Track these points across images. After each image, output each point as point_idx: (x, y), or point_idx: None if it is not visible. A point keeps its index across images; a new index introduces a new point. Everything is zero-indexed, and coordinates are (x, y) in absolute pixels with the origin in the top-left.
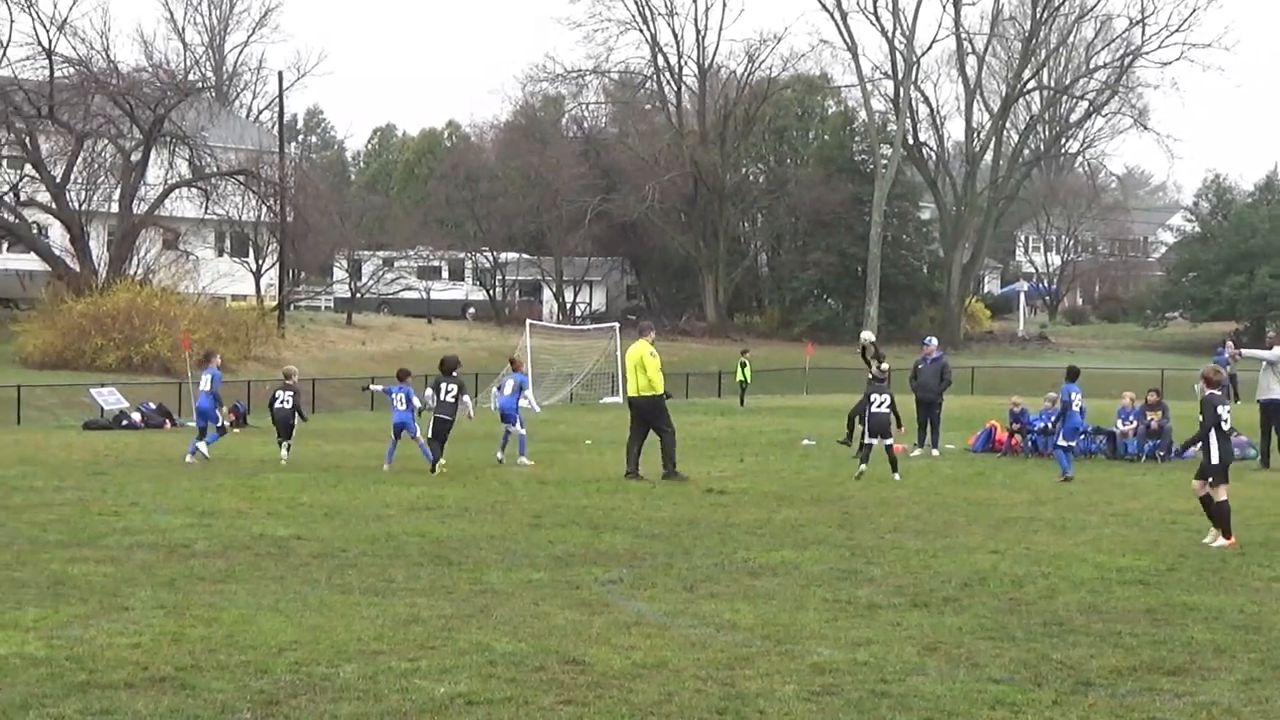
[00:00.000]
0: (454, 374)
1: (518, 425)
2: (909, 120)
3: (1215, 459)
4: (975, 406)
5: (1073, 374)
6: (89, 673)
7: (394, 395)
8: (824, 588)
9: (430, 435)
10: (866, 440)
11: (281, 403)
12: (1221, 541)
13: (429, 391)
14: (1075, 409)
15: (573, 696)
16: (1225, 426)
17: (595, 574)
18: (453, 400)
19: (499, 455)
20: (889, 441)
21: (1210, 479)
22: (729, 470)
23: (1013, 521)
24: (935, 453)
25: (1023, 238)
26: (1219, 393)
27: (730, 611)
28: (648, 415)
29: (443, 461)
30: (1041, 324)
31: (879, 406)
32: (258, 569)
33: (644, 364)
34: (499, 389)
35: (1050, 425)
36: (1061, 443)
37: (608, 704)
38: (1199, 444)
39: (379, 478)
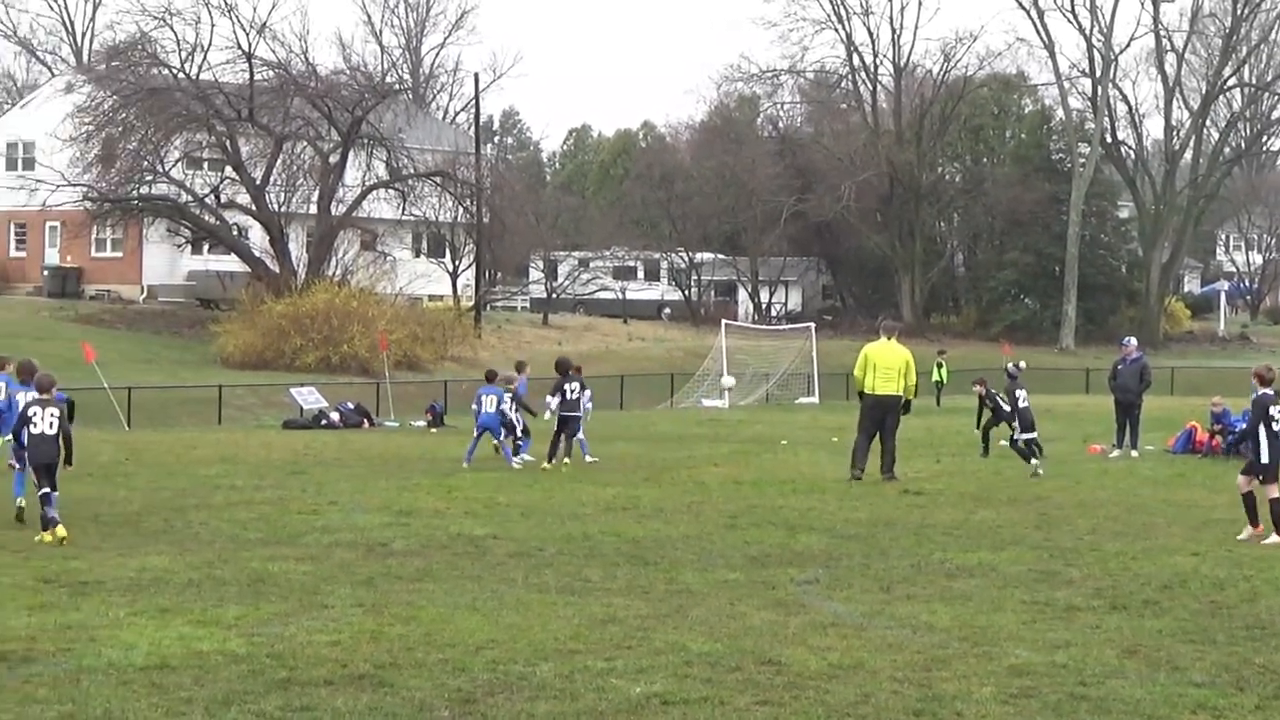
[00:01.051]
0: (571, 373)
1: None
2: (1107, 118)
3: (1265, 457)
4: (1175, 407)
5: None
6: (289, 670)
7: (484, 397)
8: (1021, 589)
9: (554, 431)
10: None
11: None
12: (1274, 538)
13: (551, 397)
14: None
15: (769, 697)
16: (1277, 426)
17: (791, 574)
18: (575, 398)
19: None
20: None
21: (1261, 477)
22: (925, 471)
23: (1214, 523)
24: (1135, 454)
25: (1223, 236)
26: (1270, 391)
27: (927, 613)
28: (891, 414)
29: (566, 460)
30: (1243, 324)
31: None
32: (455, 568)
33: (910, 366)
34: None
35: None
36: None
37: (804, 705)
38: (1247, 442)
39: (575, 477)
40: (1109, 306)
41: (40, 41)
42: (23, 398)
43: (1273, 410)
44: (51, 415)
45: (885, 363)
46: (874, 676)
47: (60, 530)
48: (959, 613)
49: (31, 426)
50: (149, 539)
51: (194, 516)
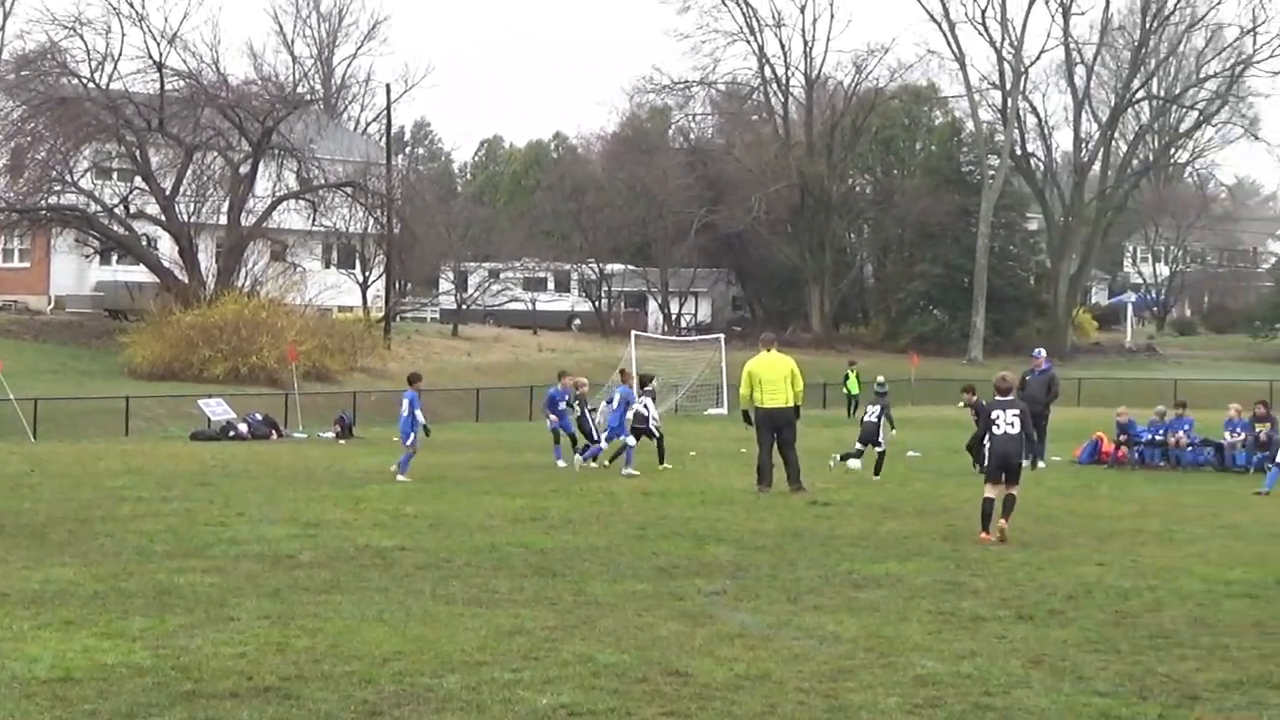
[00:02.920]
0: (647, 387)
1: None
2: (1017, 130)
3: None
4: (1082, 418)
5: None
6: (195, 682)
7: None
8: (928, 600)
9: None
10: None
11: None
12: None
13: (630, 409)
14: None
15: (676, 708)
16: None
17: (699, 585)
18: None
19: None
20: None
21: None
22: (834, 482)
23: (1119, 534)
24: (1041, 464)
25: (1131, 248)
26: None
27: (834, 623)
28: (786, 426)
29: (666, 465)
30: (1149, 335)
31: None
32: (362, 579)
33: (795, 375)
34: (608, 402)
35: (1155, 438)
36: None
37: (710, 716)
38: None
39: (483, 489)
40: (1017, 318)
41: None
42: None
43: None
44: None
45: (769, 375)
46: (780, 687)
47: None
48: (865, 623)
49: None
50: (54, 551)
51: (100, 528)
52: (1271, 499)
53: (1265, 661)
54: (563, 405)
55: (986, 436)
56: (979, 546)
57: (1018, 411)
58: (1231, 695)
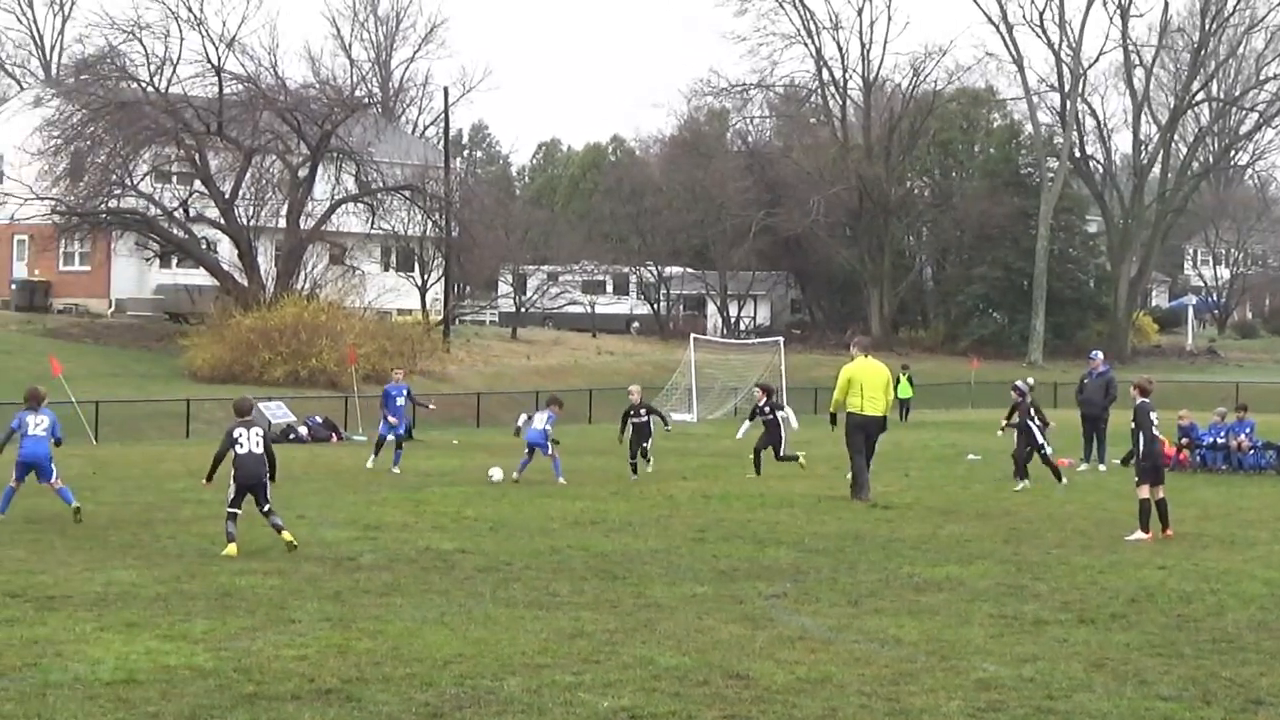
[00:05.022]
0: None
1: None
2: (1075, 133)
3: None
4: None
5: None
6: (256, 684)
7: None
8: (989, 603)
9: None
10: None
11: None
12: None
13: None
14: None
15: (736, 711)
16: None
17: (759, 588)
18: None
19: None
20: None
21: None
22: (894, 485)
23: (1180, 537)
24: (1102, 468)
25: (1191, 251)
26: None
27: (895, 627)
28: (876, 436)
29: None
30: (1210, 338)
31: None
32: (423, 582)
33: (889, 383)
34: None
35: (1217, 441)
36: None
37: (771, 719)
38: None
39: (543, 492)
40: (1077, 321)
41: (8, 55)
42: (33, 420)
43: None
44: (256, 435)
45: (871, 381)
46: (841, 690)
47: (288, 536)
48: (927, 627)
49: (239, 447)
50: (116, 553)
51: (162, 530)
52: None
53: None
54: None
55: (1140, 437)
56: (1040, 550)
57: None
58: None
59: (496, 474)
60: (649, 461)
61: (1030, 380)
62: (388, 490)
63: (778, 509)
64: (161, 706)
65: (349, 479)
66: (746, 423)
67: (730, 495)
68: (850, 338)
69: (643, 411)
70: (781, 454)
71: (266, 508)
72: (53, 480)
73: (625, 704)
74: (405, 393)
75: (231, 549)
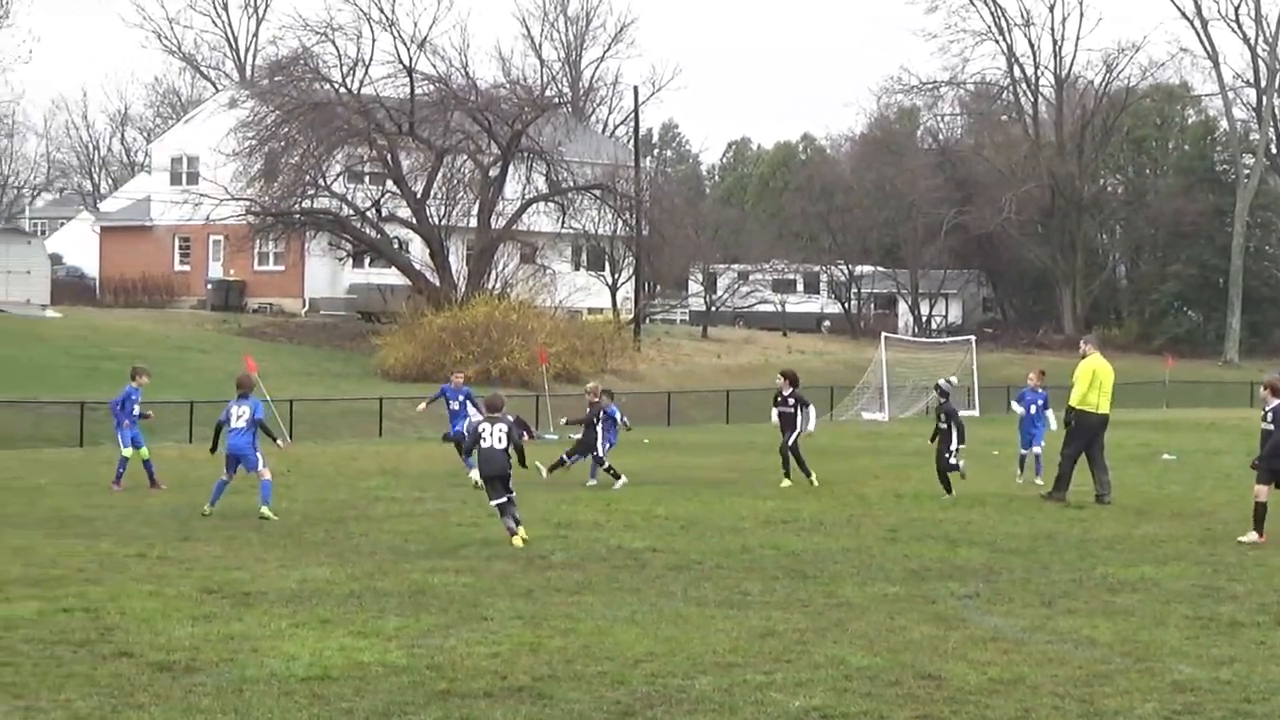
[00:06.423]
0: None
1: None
2: (1272, 129)
3: None
4: None
5: None
6: (449, 681)
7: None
8: (1185, 604)
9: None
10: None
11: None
12: None
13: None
14: None
15: (929, 712)
16: None
17: (951, 588)
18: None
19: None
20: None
21: None
22: (1087, 484)
23: None
24: None
25: None
26: None
27: (1089, 628)
28: (1102, 434)
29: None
30: None
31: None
32: (614, 580)
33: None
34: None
35: None
36: None
37: None
38: None
39: (734, 490)
40: (1274, 319)
41: (204, 57)
42: (235, 412)
43: None
44: (500, 430)
45: (1108, 379)
46: (1035, 692)
47: (522, 532)
48: (1121, 628)
49: (482, 441)
50: (310, 550)
51: (355, 528)
52: None
53: None
54: (455, 405)
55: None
56: (1237, 550)
57: None
58: None
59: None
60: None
61: (953, 379)
62: (579, 489)
63: (969, 509)
64: (355, 703)
65: (540, 477)
66: (774, 413)
67: (922, 495)
68: (1086, 336)
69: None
70: (791, 445)
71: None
72: (259, 469)
73: (816, 704)
74: (465, 396)
75: (518, 539)
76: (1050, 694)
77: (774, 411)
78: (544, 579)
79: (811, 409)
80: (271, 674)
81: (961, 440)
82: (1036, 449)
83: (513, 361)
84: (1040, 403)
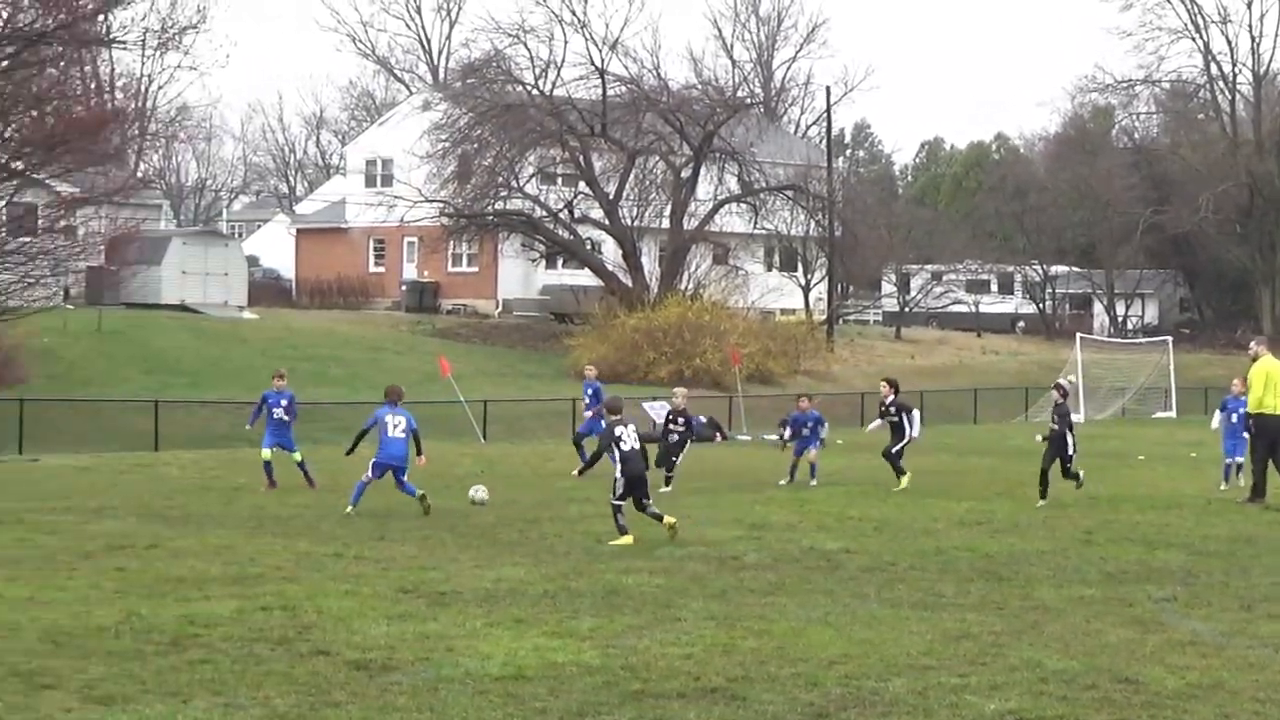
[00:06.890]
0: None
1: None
2: None
3: None
4: None
5: None
6: (643, 682)
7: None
8: None
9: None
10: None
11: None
12: None
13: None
14: None
15: (1126, 716)
16: None
17: (1149, 591)
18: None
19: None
20: None
21: None
22: None
23: None
24: None
25: None
26: None
27: None
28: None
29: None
30: None
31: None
32: (807, 582)
33: None
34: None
35: None
36: None
37: None
38: None
39: (928, 492)
40: None
41: (398, 60)
42: (391, 421)
43: None
44: (633, 431)
45: None
46: (1235, 697)
47: (669, 519)
48: None
49: (622, 444)
50: (505, 550)
51: (549, 528)
52: None
53: None
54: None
55: None
56: None
57: None
58: None
59: (477, 493)
60: (670, 482)
61: (1072, 378)
62: (772, 490)
63: (1166, 510)
64: (549, 703)
65: (733, 478)
66: (876, 421)
67: (1119, 497)
68: (1243, 337)
69: (681, 421)
70: (894, 451)
71: (648, 502)
72: (403, 479)
73: (1012, 707)
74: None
75: (627, 539)
76: (1251, 699)
77: (875, 421)
78: (737, 580)
79: (916, 414)
80: (466, 673)
81: (1075, 448)
82: (1239, 458)
83: (705, 362)
84: (1243, 410)
